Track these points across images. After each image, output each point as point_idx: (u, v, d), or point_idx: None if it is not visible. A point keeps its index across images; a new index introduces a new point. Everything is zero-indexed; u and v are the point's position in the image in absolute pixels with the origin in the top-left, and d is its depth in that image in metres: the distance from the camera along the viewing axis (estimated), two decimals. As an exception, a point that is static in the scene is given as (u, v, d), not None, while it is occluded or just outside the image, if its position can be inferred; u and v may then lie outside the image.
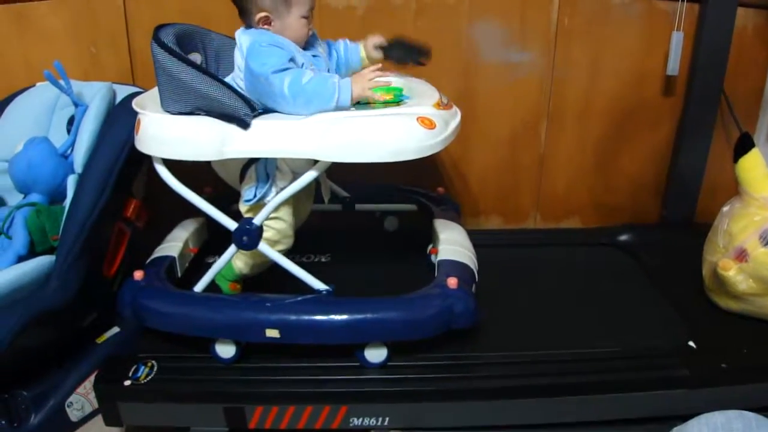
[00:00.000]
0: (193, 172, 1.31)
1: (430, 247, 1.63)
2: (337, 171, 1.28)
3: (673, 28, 1.79)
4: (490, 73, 1.87)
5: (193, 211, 1.39)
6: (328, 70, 1.40)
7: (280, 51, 1.27)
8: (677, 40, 1.79)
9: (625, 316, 1.55)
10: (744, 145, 1.54)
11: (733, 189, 1.56)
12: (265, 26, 1.31)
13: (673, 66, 1.82)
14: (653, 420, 1.35)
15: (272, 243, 1.38)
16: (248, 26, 1.34)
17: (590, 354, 1.39)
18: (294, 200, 1.38)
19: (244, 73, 1.30)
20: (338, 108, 1.24)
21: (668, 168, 1.97)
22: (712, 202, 1.73)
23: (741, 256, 1.46)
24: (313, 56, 1.37)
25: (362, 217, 1.80)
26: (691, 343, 1.43)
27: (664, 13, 1.81)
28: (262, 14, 1.30)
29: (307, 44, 1.38)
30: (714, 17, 1.75)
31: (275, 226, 1.38)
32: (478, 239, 1.60)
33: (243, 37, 1.32)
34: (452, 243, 1.52)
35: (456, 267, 1.42)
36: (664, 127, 1.94)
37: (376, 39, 1.45)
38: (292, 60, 1.28)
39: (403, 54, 1.44)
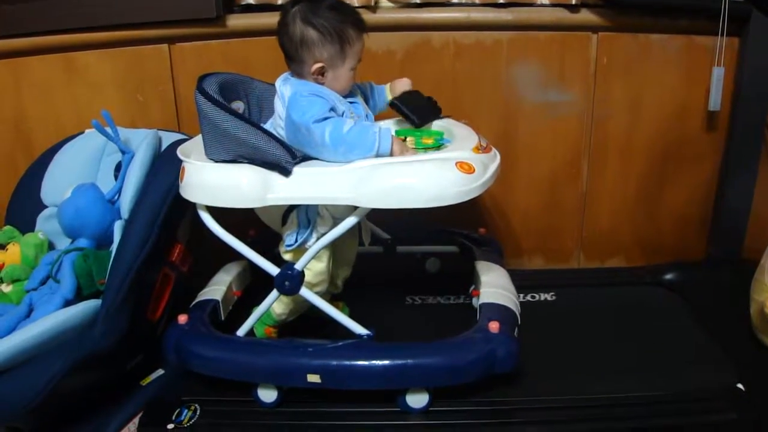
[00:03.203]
0: (237, 214, 1.33)
1: (472, 288, 1.62)
2: (377, 213, 1.28)
3: (714, 64, 1.77)
4: (530, 113, 1.87)
5: (237, 254, 1.40)
6: (367, 115, 1.42)
7: (320, 100, 1.29)
8: (718, 76, 1.78)
9: (672, 357, 1.51)
10: (789, 180, 1.52)
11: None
12: (318, 76, 1.33)
13: (715, 101, 1.80)
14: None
15: (310, 286, 1.39)
16: (296, 74, 1.36)
17: (636, 397, 1.37)
18: (338, 244, 1.39)
19: (285, 122, 1.32)
20: (379, 156, 1.26)
21: (713, 204, 1.94)
22: (761, 236, 1.70)
23: (788, 295, 1.43)
24: (352, 102, 1.39)
25: (403, 259, 1.81)
26: (739, 386, 1.39)
27: (704, 49, 1.79)
28: (319, 65, 1.32)
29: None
30: (754, 50, 1.73)
31: (313, 268, 1.39)
32: (521, 280, 1.60)
33: (284, 88, 1.34)
34: (494, 286, 1.51)
35: (498, 310, 1.41)
36: (708, 162, 1.91)
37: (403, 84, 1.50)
38: (332, 109, 1.30)
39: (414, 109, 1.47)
